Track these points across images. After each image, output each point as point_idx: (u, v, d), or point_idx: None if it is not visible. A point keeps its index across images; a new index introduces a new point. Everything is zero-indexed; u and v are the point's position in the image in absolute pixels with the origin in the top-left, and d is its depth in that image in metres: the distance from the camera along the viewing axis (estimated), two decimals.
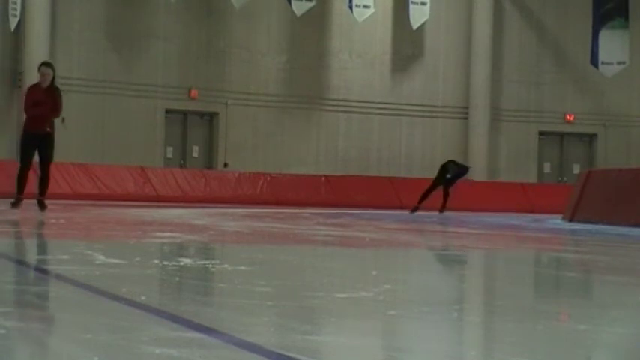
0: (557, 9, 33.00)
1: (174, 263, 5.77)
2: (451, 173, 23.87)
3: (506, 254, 8.93)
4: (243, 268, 5.81)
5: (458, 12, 32.26)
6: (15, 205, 14.09)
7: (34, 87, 14.35)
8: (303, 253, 6.93)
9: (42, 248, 7.32)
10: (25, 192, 14.36)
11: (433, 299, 4.57)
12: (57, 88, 14.20)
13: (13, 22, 27.16)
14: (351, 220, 16.33)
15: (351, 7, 29.80)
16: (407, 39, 31.71)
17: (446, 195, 23.66)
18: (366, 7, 29.74)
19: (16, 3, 27.04)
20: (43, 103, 13.91)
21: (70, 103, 28.12)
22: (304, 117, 31.04)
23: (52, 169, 24.45)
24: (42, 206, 14.08)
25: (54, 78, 14.19)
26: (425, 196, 23.02)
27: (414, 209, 22.63)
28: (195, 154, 30.61)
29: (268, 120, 30.55)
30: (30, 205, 14.50)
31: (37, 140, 13.97)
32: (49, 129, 14.00)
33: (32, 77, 27.28)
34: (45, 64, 14.59)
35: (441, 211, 23.44)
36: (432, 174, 31.38)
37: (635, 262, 8.35)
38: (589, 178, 17.89)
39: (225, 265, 6.04)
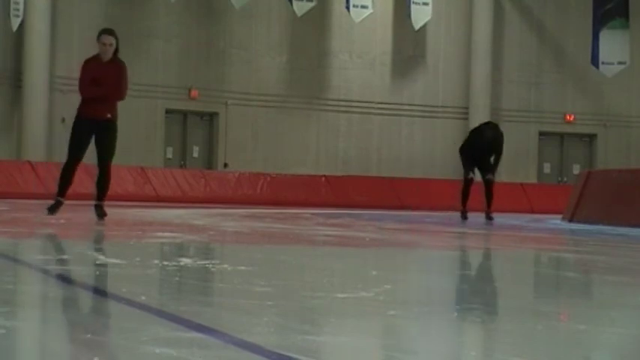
0: (558, 9, 32.99)
1: (174, 263, 5.76)
2: (494, 150, 17.07)
3: (506, 254, 8.93)
4: (243, 268, 5.81)
5: (458, 12, 32.25)
6: (52, 209, 11.37)
7: (92, 61, 11.42)
8: (303, 254, 6.93)
9: (42, 248, 7.32)
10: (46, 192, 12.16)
11: (433, 299, 4.57)
12: (121, 62, 11.33)
13: (16, 22, 27.16)
14: (351, 220, 16.33)
15: (348, 8, 29.79)
16: (407, 39, 31.70)
17: (489, 188, 17.60)
18: (363, 7, 29.74)
19: (18, 3, 27.04)
20: (104, 82, 11.12)
21: (70, 103, 28.14)
22: (304, 117, 31.04)
23: (52, 168, 23.50)
24: (100, 213, 11.30)
25: (117, 49, 11.33)
26: (467, 195, 17.36)
27: (464, 214, 17.36)
28: (195, 154, 30.61)
29: (268, 120, 30.54)
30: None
31: (93, 128, 11.21)
32: (109, 115, 11.23)
33: (32, 77, 27.36)
34: (106, 31, 11.58)
35: (489, 215, 17.55)
36: (432, 174, 31.50)
37: (635, 263, 8.35)
38: (589, 178, 17.89)
39: (225, 266, 6.04)
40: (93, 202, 11.51)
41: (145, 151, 28.90)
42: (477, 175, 17.70)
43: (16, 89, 27.77)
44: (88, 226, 10.79)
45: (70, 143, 11.45)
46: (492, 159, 17.05)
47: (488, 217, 17.01)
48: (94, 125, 11.21)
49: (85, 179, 25.70)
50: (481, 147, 16.86)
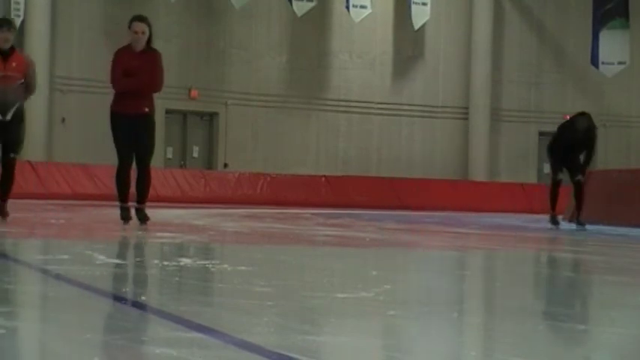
0: (558, 9, 33.00)
1: (174, 263, 5.77)
2: (586, 144, 15.40)
3: (506, 254, 8.93)
4: (243, 268, 5.81)
5: (458, 12, 32.25)
6: (124, 218, 10.33)
7: (124, 51, 10.41)
8: (303, 254, 6.93)
9: (42, 248, 7.32)
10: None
11: (433, 300, 4.57)
12: (156, 51, 10.35)
13: (16, 23, 27.14)
14: (351, 220, 16.32)
15: (348, 8, 29.80)
16: (407, 39, 31.71)
17: (579, 190, 15.60)
18: (362, 7, 29.74)
19: (18, 3, 27.04)
20: (138, 72, 10.12)
21: (70, 103, 28.14)
22: (304, 117, 31.04)
23: (52, 168, 23.22)
24: (142, 217, 10.25)
25: (151, 37, 10.33)
26: (556, 198, 15.60)
27: (554, 219, 15.50)
28: (195, 154, 30.61)
29: (268, 120, 30.54)
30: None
31: (130, 124, 10.17)
32: (146, 108, 10.19)
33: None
34: (138, 18, 10.51)
35: (580, 221, 15.36)
36: (432, 174, 31.52)
37: (635, 263, 8.35)
38: (589, 178, 17.88)
39: (225, 266, 6.04)
40: (134, 206, 10.28)
41: None
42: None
43: None
44: (88, 226, 10.79)
45: (116, 145, 10.37)
46: (583, 157, 15.28)
47: (580, 224, 15.14)
48: (130, 121, 10.14)
49: (84, 179, 25.73)
50: (573, 141, 15.12)
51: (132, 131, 10.18)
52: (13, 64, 10.38)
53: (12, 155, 10.40)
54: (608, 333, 3.61)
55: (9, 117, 10.24)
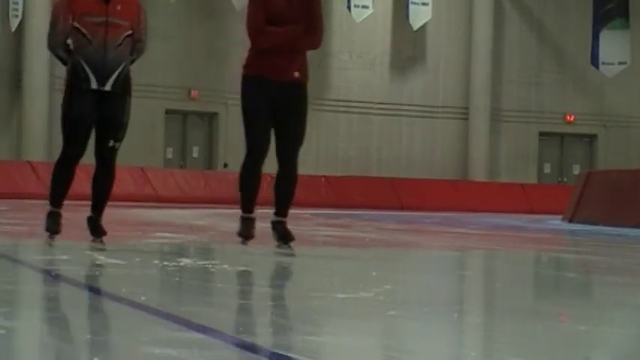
0: (558, 9, 32.99)
1: (174, 264, 5.77)
2: None
3: (507, 255, 8.93)
4: (243, 268, 5.81)
5: (458, 12, 32.25)
6: (245, 235, 7.08)
7: None
8: (303, 254, 6.93)
9: (42, 248, 7.32)
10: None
11: (433, 300, 4.57)
12: None
13: (15, 23, 27.15)
14: (351, 220, 16.32)
15: (349, 7, 29.79)
16: (407, 39, 31.70)
17: None
18: (364, 7, 29.74)
19: (17, 3, 27.04)
20: (289, 20, 6.97)
21: None
22: None
23: (52, 168, 23.48)
24: (284, 231, 7.00)
25: None
26: None
27: None
28: (195, 155, 30.60)
29: None
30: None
31: (275, 94, 7.13)
32: (297, 73, 7.03)
33: (32, 77, 27.34)
34: None
35: None
36: (432, 174, 31.49)
37: (635, 263, 8.35)
38: (589, 178, 17.89)
39: (225, 266, 6.04)
40: (273, 218, 7.19)
41: (145, 151, 28.88)
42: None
43: (15, 89, 27.77)
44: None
45: (248, 128, 7.58)
46: None
47: None
48: (275, 90, 7.11)
49: (84, 179, 25.70)
50: None
51: (275, 107, 7.13)
52: (118, 7, 6.93)
53: (111, 144, 6.96)
54: (608, 333, 3.61)
55: (109, 86, 6.84)
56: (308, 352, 2.88)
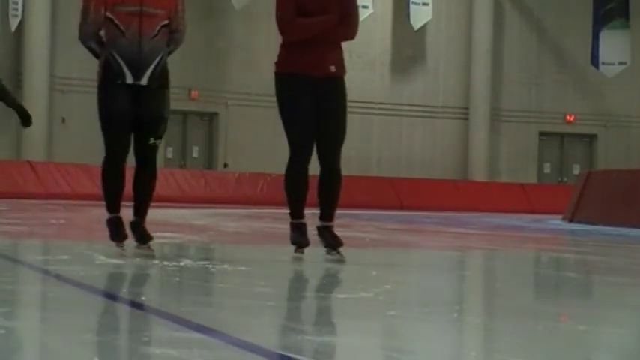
0: (558, 9, 32.99)
1: (174, 263, 5.77)
2: None
3: (507, 255, 8.93)
4: (243, 268, 5.81)
5: (458, 12, 32.25)
6: (299, 243, 6.55)
7: None
8: (303, 254, 6.92)
9: (42, 248, 7.32)
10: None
11: (433, 300, 4.57)
12: None
13: (14, 23, 27.16)
14: (351, 220, 16.32)
15: None
16: (407, 39, 31.70)
17: None
18: (364, 7, 29.72)
19: (17, 3, 27.05)
20: (321, 10, 6.55)
21: (70, 103, 28.13)
22: None
23: (52, 168, 22.73)
24: (333, 237, 6.59)
25: None
26: None
27: None
28: (195, 155, 30.61)
29: (268, 120, 30.52)
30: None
31: (311, 91, 6.55)
32: (333, 67, 6.53)
33: (32, 77, 27.36)
34: None
35: None
36: (432, 174, 31.49)
37: (635, 263, 8.35)
38: (589, 178, 17.89)
39: (225, 266, 6.03)
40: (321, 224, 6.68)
41: None
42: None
43: (16, 89, 27.75)
44: (88, 226, 10.79)
45: (289, 127, 6.65)
46: None
47: None
48: (312, 86, 6.54)
49: (84, 179, 25.72)
50: None
51: (313, 105, 6.53)
52: None
53: (152, 141, 6.46)
54: (608, 333, 3.61)
55: (145, 80, 6.42)
56: (308, 352, 2.88)
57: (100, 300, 4.13)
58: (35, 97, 27.19)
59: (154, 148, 6.47)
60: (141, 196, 6.45)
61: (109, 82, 6.36)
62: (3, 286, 4.42)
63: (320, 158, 6.54)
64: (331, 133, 6.51)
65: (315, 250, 6.45)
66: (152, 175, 6.49)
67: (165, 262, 5.73)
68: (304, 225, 6.51)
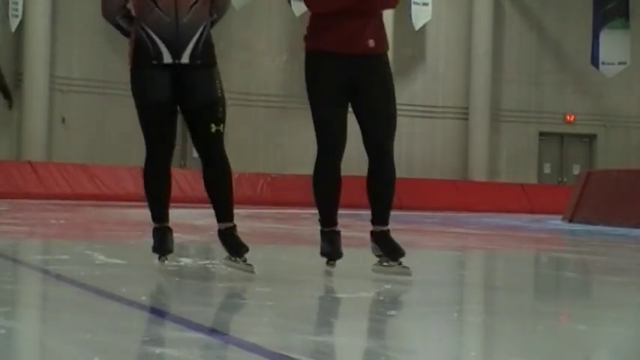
0: (558, 9, 32.99)
1: (174, 264, 5.77)
2: None
3: (506, 255, 8.93)
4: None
5: (458, 12, 32.25)
6: (330, 254, 5.67)
7: None
8: (303, 254, 6.92)
9: (42, 248, 7.32)
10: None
11: (433, 300, 4.57)
12: None
13: (14, 23, 27.16)
14: (351, 220, 16.32)
15: None
16: (407, 40, 31.70)
17: None
18: None
19: (17, 3, 27.05)
20: None
21: (70, 103, 28.13)
22: (304, 117, 30.93)
23: (52, 168, 22.76)
24: (392, 251, 5.54)
25: None
26: None
27: None
28: (195, 154, 30.52)
29: (268, 120, 30.53)
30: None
31: (348, 72, 5.60)
32: (372, 41, 5.53)
33: (32, 77, 27.34)
34: None
35: None
36: (432, 174, 31.48)
37: (635, 263, 8.35)
38: (589, 178, 17.89)
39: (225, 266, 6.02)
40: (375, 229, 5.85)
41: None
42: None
43: (15, 89, 27.74)
44: (88, 226, 10.79)
45: (317, 116, 5.78)
46: None
47: None
48: (348, 67, 5.59)
49: (84, 179, 25.72)
50: None
51: (351, 88, 5.64)
52: None
53: (213, 128, 5.36)
54: (608, 333, 3.61)
55: (186, 58, 5.28)
56: (308, 352, 2.88)
57: (100, 300, 4.13)
58: (35, 97, 27.20)
59: (217, 136, 5.32)
60: (218, 198, 5.48)
61: (142, 64, 5.23)
62: (3, 286, 4.42)
63: (369, 149, 5.76)
64: (381, 117, 5.80)
65: (316, 249, 6.46)
66: (225, 171, 5.40)
67: (165, 262, 5.72)
68: (337, 234, 5.66)
